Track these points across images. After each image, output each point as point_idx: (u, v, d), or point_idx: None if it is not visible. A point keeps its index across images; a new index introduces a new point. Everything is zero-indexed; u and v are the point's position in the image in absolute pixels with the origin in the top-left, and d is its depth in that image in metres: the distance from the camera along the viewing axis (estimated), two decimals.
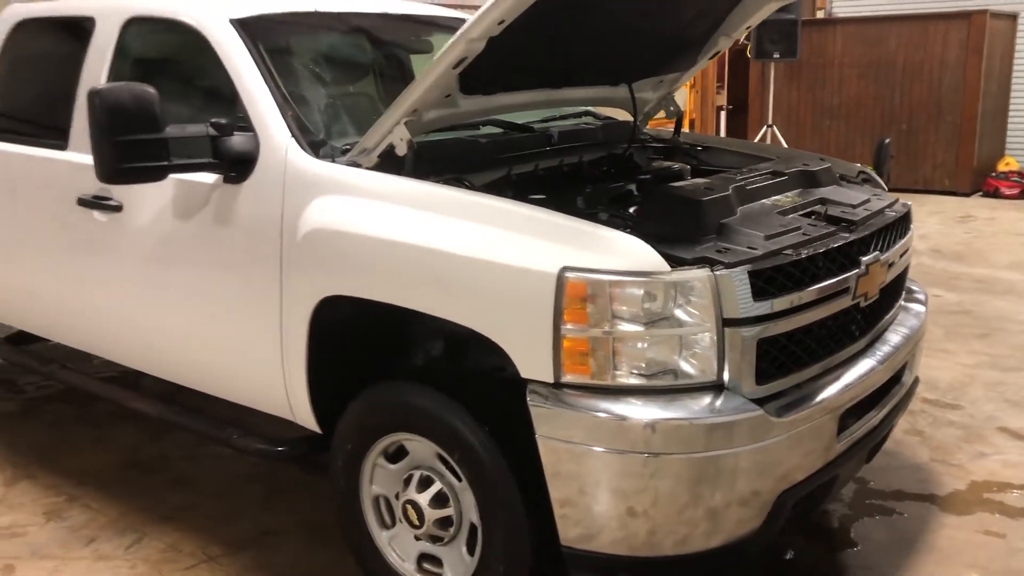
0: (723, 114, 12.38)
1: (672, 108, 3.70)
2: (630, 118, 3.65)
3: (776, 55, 10.34)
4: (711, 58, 3.55)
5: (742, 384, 2.28)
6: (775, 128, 10.81)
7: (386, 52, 3.76)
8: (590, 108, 3.71)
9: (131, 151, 2.68)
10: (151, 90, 2.69)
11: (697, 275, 2.22)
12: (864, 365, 2.65)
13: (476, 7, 2.44)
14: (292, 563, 3.09)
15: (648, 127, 3.82)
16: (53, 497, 3.58)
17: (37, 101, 3.84)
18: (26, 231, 3.64)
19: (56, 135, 3.51)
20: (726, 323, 2.24)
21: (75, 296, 3.50)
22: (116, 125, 2.64)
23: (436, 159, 2.79)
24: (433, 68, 2.52)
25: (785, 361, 2.39)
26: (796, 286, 2.38)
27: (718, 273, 2.23)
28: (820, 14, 12.47)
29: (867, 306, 2.67)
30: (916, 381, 3.12)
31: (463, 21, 3.03)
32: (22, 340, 4.19)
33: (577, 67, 3.17)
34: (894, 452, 3.80)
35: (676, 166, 3.17)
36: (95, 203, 3.27)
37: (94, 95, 2.64)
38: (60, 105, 3.52)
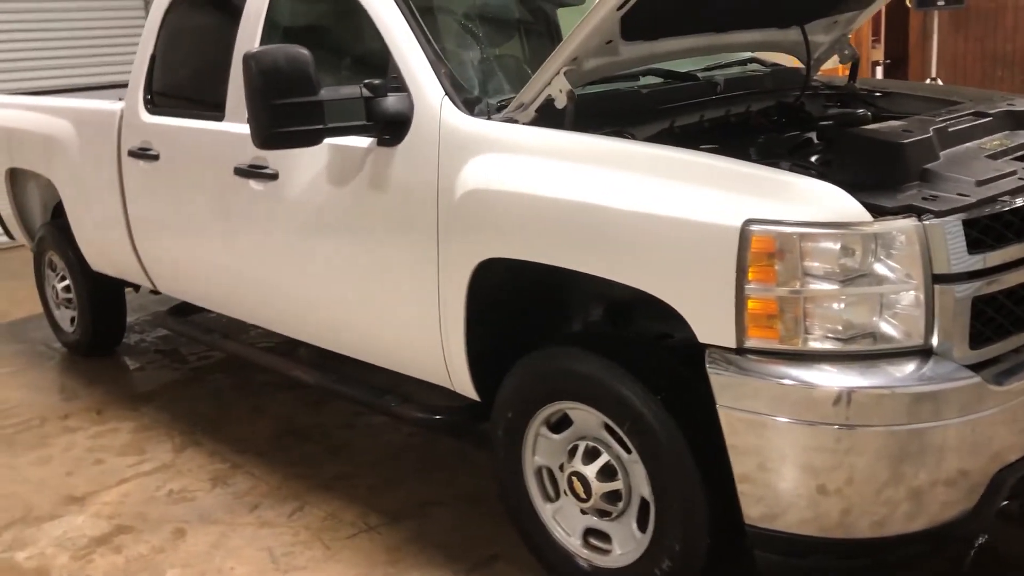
0: (879, 69, 11.60)
1: (847, 52, 3.38)
2: (799, 64, 3.37)
3: (941, 2, 9.56)
4: None
5: (954, 348, 2.03)
6: (939, 82, 10.04)
7: (533, 6, 3.61)
8: (756, 54, 3.44)
9: (286, 114, 2.63)
10: (305, 52, 2.64)
11: (903, 225, 1.97)
12: None
13: None
14: (453, 534, 3.02)
15: (819, 74, 3.52)
16: (219, 464, 3.65)
17: (194, 75, 3.89)
18: (187, 203, 3.70)
19: (213, 107, 3.53)
20: (936, 279, 1.99)
21: (234, 266, 3.53)
22: (271, 88, 2.60)
23: (594, 113, 2.62)
24: (594, 12, 2.35)
25: (1003, 322, 2.11)
26: (1016, 236, 2.09)
27: (927, 223, 1.98)
28: None
29: None
30: None
31: None
32: (185, 311, 4.31)
33: (744, 8, 2.92)
34: None
35: (859, 111, 2.88)
36: (251, 172, 3.27)
37: (249, 58, 2.61)
38: (216, 77, 3.54)
